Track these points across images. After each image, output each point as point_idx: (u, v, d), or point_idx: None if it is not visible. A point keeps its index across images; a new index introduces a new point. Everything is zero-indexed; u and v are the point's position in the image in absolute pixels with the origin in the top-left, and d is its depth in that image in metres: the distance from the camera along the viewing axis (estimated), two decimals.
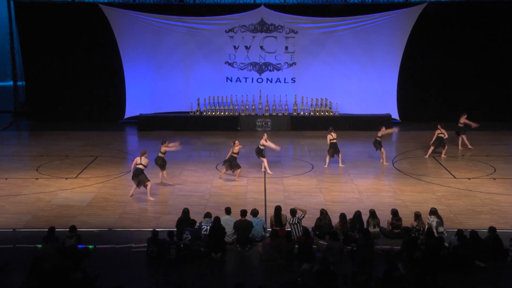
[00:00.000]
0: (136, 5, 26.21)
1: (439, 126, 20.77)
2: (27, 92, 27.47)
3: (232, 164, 18.10)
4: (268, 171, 18.90)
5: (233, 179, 18.33)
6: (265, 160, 19.07)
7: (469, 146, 21.83)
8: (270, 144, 19.00)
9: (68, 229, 13.01)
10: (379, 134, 19.88)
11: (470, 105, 26.92)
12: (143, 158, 16.65)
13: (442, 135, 20.68)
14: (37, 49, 26.82)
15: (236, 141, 18.33)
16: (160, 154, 17.74)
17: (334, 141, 19.56)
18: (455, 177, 18.50)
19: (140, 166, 16.54)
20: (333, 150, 19.57)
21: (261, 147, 19.02)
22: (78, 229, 13.17)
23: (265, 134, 19.38)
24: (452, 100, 26.96)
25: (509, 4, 26.21)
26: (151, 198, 16.42)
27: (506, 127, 25.94)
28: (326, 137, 19.68)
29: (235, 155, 18.16)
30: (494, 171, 19.07)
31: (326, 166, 19.63)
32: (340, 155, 19.68)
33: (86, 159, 20.79)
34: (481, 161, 20.27)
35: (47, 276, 11.16)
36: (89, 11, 26.04)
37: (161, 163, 17.74)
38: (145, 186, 16.45)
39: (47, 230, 12.90)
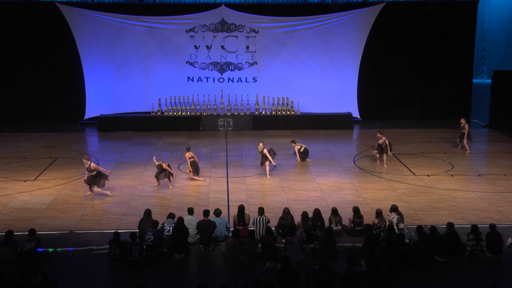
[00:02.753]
0: (94, 4, 25.86)
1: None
2: None
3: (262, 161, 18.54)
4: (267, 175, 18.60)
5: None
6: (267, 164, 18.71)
7: (468, 150, 21.51)
8: (269, 156, 18.64)
9: (27, 233, 12.77)
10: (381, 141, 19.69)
11: (429, 103, 27.56)
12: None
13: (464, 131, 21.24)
14: None
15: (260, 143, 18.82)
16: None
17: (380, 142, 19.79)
18: (414, 174, 18.83)
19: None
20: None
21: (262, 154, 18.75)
22: (37, 232, 12.94)
23: (261, 144, 18.91)
24: (411, 99, 27.51)
25: (464, 5, 26.88)
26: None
27: None
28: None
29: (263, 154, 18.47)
30: (452, 168, 19.48)
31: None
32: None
33: (45, 161, 20.43)
34: (439, 158, 20.68)
35: (5, 281, 10.93)
36: (46, 11, 25.56)
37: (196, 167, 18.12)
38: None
39: (4, 234, 12.65)
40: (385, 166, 19.56)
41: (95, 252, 12.99)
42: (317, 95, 26.59)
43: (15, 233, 12.81)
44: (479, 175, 18.75)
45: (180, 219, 13.16)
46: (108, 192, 16.70)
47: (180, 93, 25.98)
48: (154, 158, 18.15)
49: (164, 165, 17.43)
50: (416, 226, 13.23)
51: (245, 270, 12.18)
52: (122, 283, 11.84)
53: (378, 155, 19.90)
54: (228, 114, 25.79)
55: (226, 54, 26.46)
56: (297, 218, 13.93)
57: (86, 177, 16.69)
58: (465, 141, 21.40)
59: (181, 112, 25.77)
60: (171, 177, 17.55)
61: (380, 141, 19.66)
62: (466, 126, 21.34)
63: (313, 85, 26.61)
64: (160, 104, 25.69)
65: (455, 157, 20.78)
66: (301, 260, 12.44)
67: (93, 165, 16.51)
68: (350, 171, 19.35)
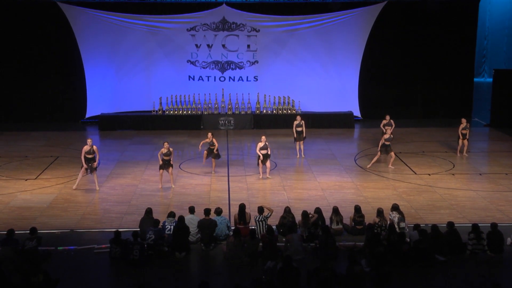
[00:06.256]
0: (96, 3, 25.85)
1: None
2: None
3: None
4: (261, 175, 18.44)
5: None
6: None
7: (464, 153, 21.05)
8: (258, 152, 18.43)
9: (28, 231, 12.78)
10: (386, 137, 19.31)
11: (430, 102, 27.54)
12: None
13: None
14: None
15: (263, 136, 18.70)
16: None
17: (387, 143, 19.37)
18: (415, 173, 18.82)
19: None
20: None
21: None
22: (38, 231, 12.95)
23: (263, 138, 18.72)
24: (412, 97, 27.51)
25: (465, 3, 26.86)
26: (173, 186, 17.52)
27: None
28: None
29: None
30: (453, 167, 19.47)
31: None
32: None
33: (46, 160, 20.44)
34: (440, 157, 20.68)
35: (6, 280, 10.94)
36: (48, 10, 25.53)
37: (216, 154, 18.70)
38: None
39: (5, 232, 12.65)
40: (391, 167, 19.33)
41: (96, 251, 13.00)
42: (318, 94, 26.58)
43: (16, 232, 12.80)
44: (480, 174, 18.74)
45: (181, 218, 13.16)
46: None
47: (181, 92, 25.99)
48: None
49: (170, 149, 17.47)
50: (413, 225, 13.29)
51: (246, 269, 12.18)
52: (123, 282, 11.85)
53: (379, 153, 19.38)
54: (229, 113, 25.79)
55: (227, 53, 26.46)
56: (298, 217, 13.94)
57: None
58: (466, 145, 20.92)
59: (182, 111, 25.78)
60: (172, 175, 17.51)
61: (386, 136, 19.32)
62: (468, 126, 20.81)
63: (314, 84, 26.60)
64: (161, 103, 25.70)
65: (456, 156, 20.76)
66: (302, 258, 12.45)
67: (95, 147, 17.18)
68: (351, 170, 19.34)
